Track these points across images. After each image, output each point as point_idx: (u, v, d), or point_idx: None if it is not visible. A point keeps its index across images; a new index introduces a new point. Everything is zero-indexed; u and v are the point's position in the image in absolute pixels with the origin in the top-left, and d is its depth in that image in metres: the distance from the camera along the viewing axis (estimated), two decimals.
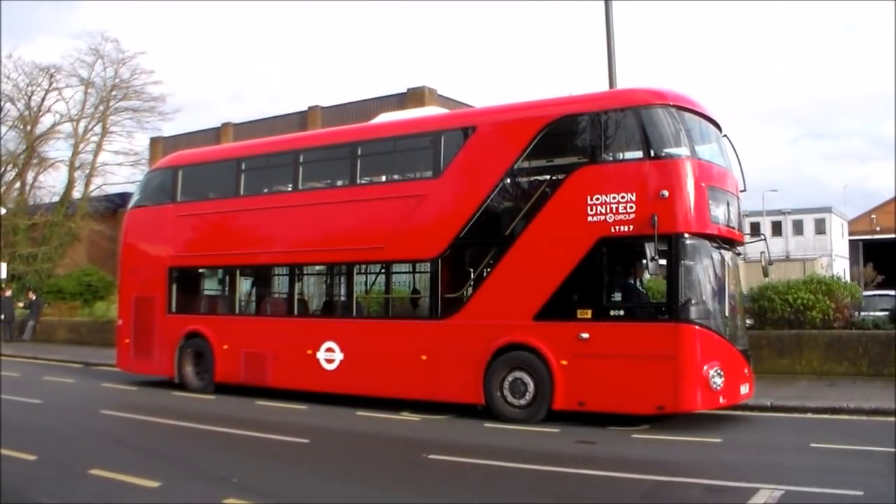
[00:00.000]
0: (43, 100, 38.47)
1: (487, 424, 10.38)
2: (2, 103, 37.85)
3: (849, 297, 15.13)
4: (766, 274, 11.92)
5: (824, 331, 14.35)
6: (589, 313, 10.16)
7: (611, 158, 10.62)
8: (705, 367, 9.62)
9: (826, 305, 14.50)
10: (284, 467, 8.08)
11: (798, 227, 59.01)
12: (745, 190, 11.41)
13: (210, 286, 15.21)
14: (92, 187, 38.66)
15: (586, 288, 10.27)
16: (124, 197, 32.30)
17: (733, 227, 10.86)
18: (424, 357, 11.36)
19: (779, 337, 14.51)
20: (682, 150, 10.22)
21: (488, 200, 11.14)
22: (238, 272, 14.24)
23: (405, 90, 29.14)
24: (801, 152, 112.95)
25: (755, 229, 42.78)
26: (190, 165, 15.17)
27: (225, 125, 35.12)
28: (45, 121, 39.13)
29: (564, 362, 10.23)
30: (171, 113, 53.00)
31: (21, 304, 29.01)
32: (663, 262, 9.75)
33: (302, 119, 32.07)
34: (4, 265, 29.45)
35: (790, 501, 6.40)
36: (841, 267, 51.34)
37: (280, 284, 14.38)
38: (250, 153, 14.81)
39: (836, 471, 7.63)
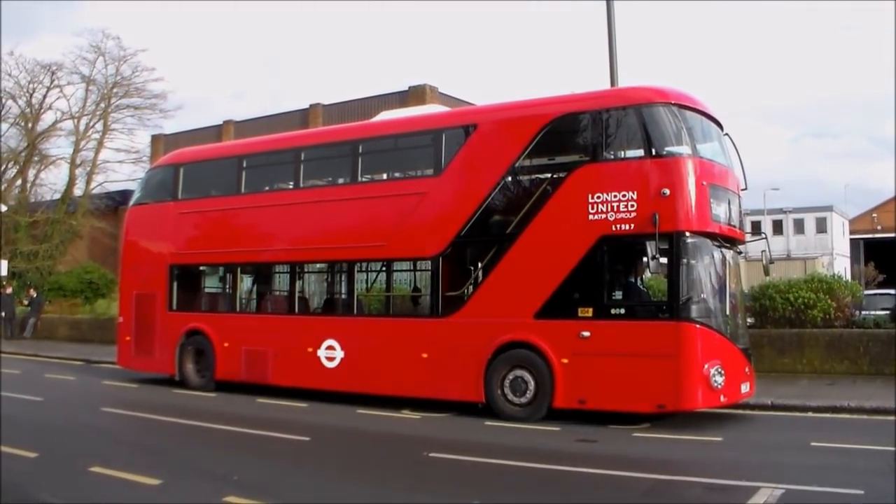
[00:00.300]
0: (44, 97, 38.61)
1: (488, 423, 10.39)
2: (3, 101, 37.94)
3: (850, 295, 15.11)
4: (767, 272, 11.92)
5: (825, 330, 14.34)
6: (590, 312, 10.15)
7: (612, 157, 10.62)
8: (706, 366, 9.62)
9: (827, 304, 14.49)
10: (285, 465, 8.09)
11: (799, 226, 58.91)
12: (746, 188, 11.41)
13: (211, 284, 15.21)
14: (93, 185, 38.77)
15: (587, 286, 10.26)
16: (125, 194, 32.33)
17: (734, 226, 10.86)
18: (425, 355, 11.36)
19: (780, 336, 14.49)
20: (684, 149, 10.22)
21: (489, 199, 11.14)
22: (239, 270, 14.24)
23: (406, 88, 29.11)
24: (802, 151, 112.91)
25: (756, 228, 42.73)
26: (191, 163, 15.17)
27: (226, 123, 35.11)
28: (47, 118, 39.27)
29: (565, 360, 10.23)
30: (173, 110, 52.97)
31: (26, 303, 29.01)
32: (664, 260, 9.75)
33: (303, 117, 32.06)
34: (5, 262, 29.46)
35: (791, 500, 6.40)
36: (842, 266, 51.26)
37: (281, 282, 14.39)
38: (251, 151, 14.81)
39: (837, 470, 7.62)
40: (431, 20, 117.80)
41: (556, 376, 10.26)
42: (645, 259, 9.79)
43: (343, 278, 13.34)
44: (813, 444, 8.82)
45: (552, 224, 10.51)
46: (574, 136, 11.06)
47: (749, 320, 13.89)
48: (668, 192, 9.78)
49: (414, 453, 8.67)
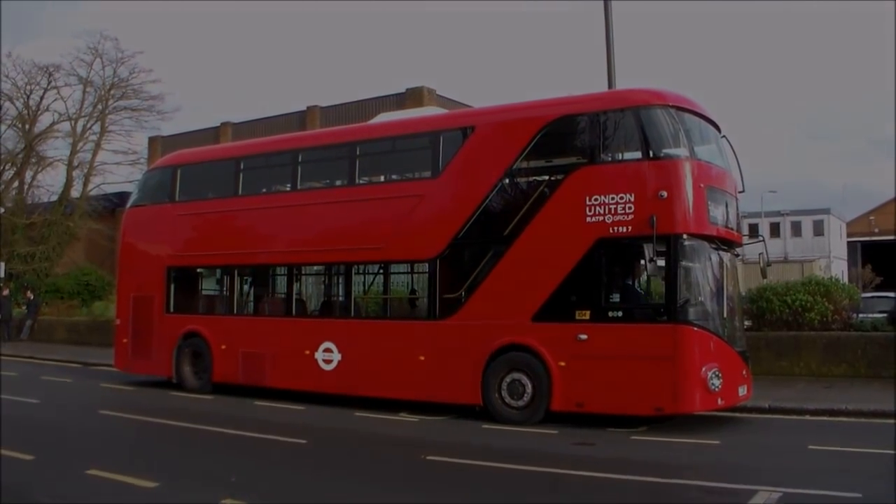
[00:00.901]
0: (41, 99, 38.48)
1: (485, 426, 10.37)
2: (1, 102, 37.86)
3: (847, 298, 15.13)
4: (764, 275, 11.94)
5: (822, 332, 14.36)
6: (587, 314, 10.15)
7: (610, 159, 10.61)
8: (703, 369, 9.62)
9: (824, 307, 14.50)
10: (282, 468, 8.07)
11: (796, 229, 58.98)
12: (743, 191, 11.41)
13: (208, 286, 15.19)
14: (90, 186, 38.64)
15: (585, 289, 10.26)
16: (123, 196, 32.29)
17: (732, 228, 10.86)
18: (422, 358, 11.35)
19: (777, 338, 14.51)
20: (681, 151, 10.22)
21: (487, 201, 11.13)
22: (236, 272, 14.21)
23: (404, 90, 29.13)
24: (799, 153, 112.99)
25: (754, 230, 42.75)
26: (189, 165, 15.15)
27: (224, 124, 35.10)
28: (44, 120, 39.14)
29: (563, 363, 10.22)
30: (170, 112, 53.07)
31: (25, 306, 28.93)
32: (662, 262, 9.74)
33: (301, 118, 32.07)
34: (3, 264, 29.38)
35: None
36: (839, 268, 51.27)
37: (278, 284, 14.36)
38: (249, 153, 14.80)
39: (835, 473, 7.62)
40: (429, 22, 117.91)
41: (554, 379, 10.25)
42: (642, 261, 9.78)
43: (340, 281, 13.33)
44: (810, 447, 8.81)
45: (550, 226, 10.51)
46: (571, 139, 11.07)
47: (746, 323, 13.90)
48: (665, 194, 9.78)
49: (411, 456, 8.65)
